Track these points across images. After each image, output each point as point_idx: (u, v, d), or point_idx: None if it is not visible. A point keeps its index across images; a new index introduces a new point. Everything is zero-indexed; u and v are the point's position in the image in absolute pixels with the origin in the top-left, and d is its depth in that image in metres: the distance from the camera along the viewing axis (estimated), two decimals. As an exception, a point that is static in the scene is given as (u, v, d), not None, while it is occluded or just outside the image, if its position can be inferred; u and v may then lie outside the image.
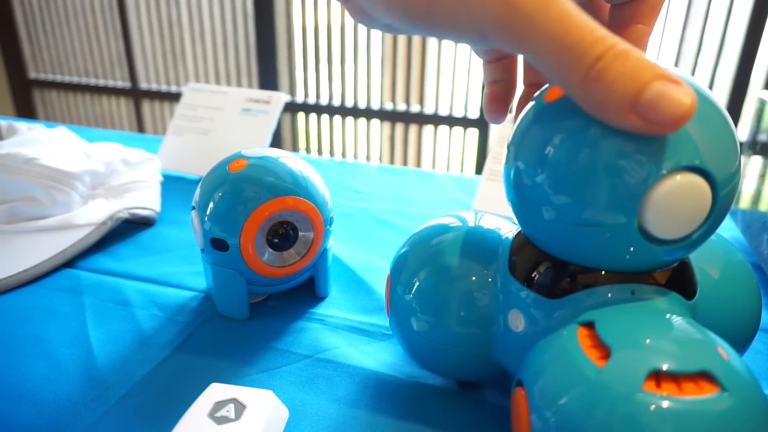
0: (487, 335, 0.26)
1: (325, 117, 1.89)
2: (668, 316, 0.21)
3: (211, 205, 0.35)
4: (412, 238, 0.30)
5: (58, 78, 2.20)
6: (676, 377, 0.18)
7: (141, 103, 2.12)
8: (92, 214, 0.47)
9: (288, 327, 0.36)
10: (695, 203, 0.20)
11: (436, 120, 1.77)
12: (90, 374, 0.32)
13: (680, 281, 0.23)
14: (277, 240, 0.35)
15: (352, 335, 0.36)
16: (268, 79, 1.88)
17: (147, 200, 0.52)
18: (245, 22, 1.86)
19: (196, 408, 0.25)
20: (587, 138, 0.20)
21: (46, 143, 0.50)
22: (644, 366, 0.18)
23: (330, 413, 0.29)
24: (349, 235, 0.51)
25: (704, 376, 0.18)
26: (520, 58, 0.27)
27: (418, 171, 0.71)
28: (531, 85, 0.27)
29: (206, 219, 0.35)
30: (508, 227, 0.28)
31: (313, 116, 1.90)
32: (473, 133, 1.74)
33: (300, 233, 0.36)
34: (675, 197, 0.19)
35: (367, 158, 1.91)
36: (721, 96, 1.45)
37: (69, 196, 0.47)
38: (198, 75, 2.00)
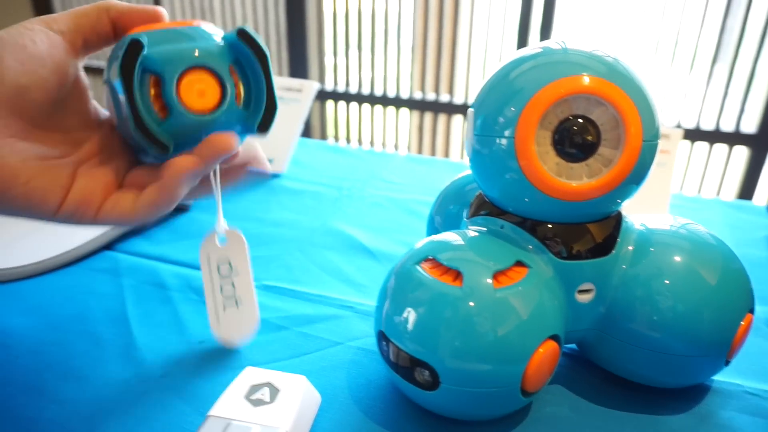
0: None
1: (354, 105, 1.89)
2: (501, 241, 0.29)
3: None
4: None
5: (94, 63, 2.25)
6: (504, 271, 0.27)
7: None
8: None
9: (320, 314, 0.37)
10: None
11: (465, 110, 1.75)
12: (130, 353, 0.33)
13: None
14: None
15: (382, 323, 0.36)
16: (298, 66, 1.88)
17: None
18: (276, 8, 1.87)
19: (233, 389, 0.26)
20: None
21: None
22: (487, 274, 0.26)
23: (361, 399, 0.30)
24: (379, 225, 0.51)
25: (519, 264, 0.27)
26: None
27: (446, 161, 0.71)
28: None
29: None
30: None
31: (342, 104, 1.91)
32: (503, 123, 1.71)
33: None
34: None
35: (395, 147, 1.91)
36: (761, 85, 1.40)
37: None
38: (229, 62, 2.02)
